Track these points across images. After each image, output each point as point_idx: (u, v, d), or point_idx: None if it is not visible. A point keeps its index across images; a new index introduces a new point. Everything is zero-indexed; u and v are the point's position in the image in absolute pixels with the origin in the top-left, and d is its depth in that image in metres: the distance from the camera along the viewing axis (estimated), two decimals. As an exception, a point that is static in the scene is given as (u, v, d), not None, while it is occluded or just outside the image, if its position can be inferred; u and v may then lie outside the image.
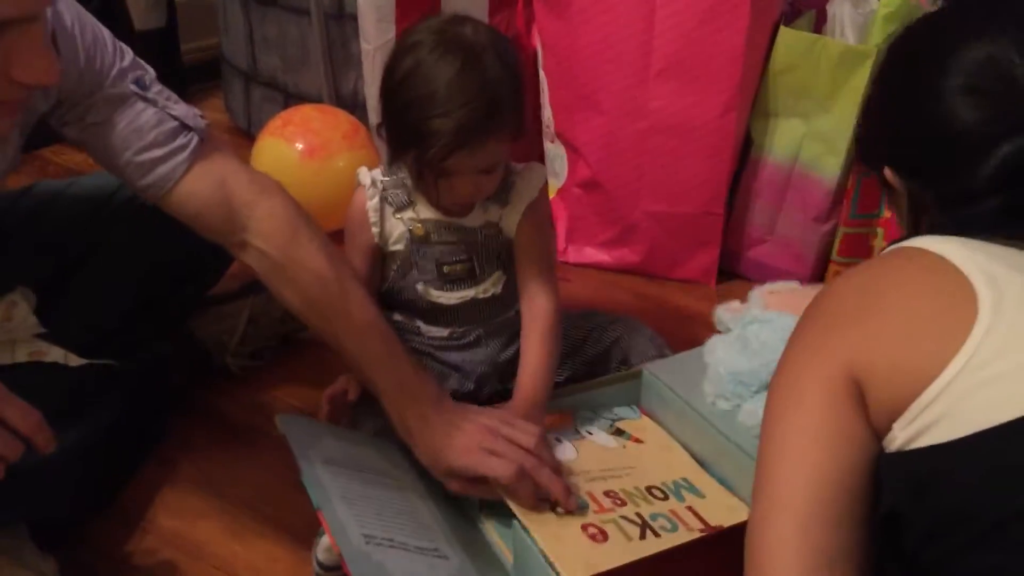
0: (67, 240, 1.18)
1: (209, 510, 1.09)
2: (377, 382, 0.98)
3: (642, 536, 0.91)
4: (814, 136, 1.48)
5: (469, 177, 1.01)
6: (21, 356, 1.14)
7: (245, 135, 2.06)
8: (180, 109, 1.00)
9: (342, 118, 1.66)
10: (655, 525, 0.93)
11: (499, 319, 1.13)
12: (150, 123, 0.98)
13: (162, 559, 1.03)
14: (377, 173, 1.09)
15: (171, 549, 1.04)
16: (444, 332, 1.12)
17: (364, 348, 0.99)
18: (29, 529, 0.98)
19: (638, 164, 1.52)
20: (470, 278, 1.10)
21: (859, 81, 1.40)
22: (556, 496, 0.93)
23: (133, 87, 0.99)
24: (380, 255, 1.10)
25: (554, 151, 1.66)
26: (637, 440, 1.10)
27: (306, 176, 1.57)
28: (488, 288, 1.11)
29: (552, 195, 1.69)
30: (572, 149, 1.60)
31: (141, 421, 1.17)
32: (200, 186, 0.99)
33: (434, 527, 0.94)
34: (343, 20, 1.78)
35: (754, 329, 1.06)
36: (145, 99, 0.99)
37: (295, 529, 1.04)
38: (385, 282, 1.12)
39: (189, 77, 2.37)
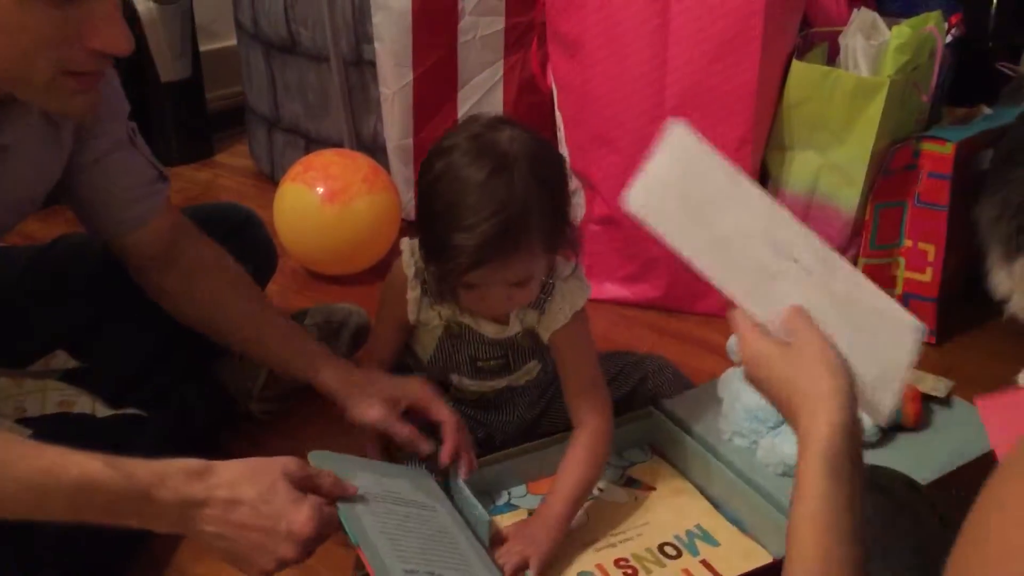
0: (95, 290, 1.20)
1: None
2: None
3: None
4: (830, 168, 1.48)
5: (500, 289, 0.96)
6: (51, 406, 1.16)
7: (269, 180, 2.09)
8: (155, 162, 1.13)
9: (362, 162, 1.68)
10: None
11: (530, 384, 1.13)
12: (139, 167, 1.09)
13: (192, 605, 1.04)
14: (420, 256, 1.04)
15: (201, 595, 1.05)
16: (474, 396, 1.13)
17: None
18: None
19: (655, 200, 1.53)
20: (504, 370, 1.10)
21: (873, 112, 1.40)
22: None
23: (130, 134, 1.08)
24: (410, 329, 1.11)
25: (572, 189, 1.67)
26: (649, 487, 1.09)
27: (327, 220, 1.60)
28: (521, 377, 1.11)
29: (571, 232, 1.70)
30: (589, 186, 1.61)
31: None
32: (162, 225, 1.12)
33: (473, 558, 0.94)
34: (362, 66, 1.82)
35: None
36: (136, 146, 1.09)
37: (332, 566, 1.04)
38: (418, 359, 1.12)
39: (214, 125, 2.41)
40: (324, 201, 1.60)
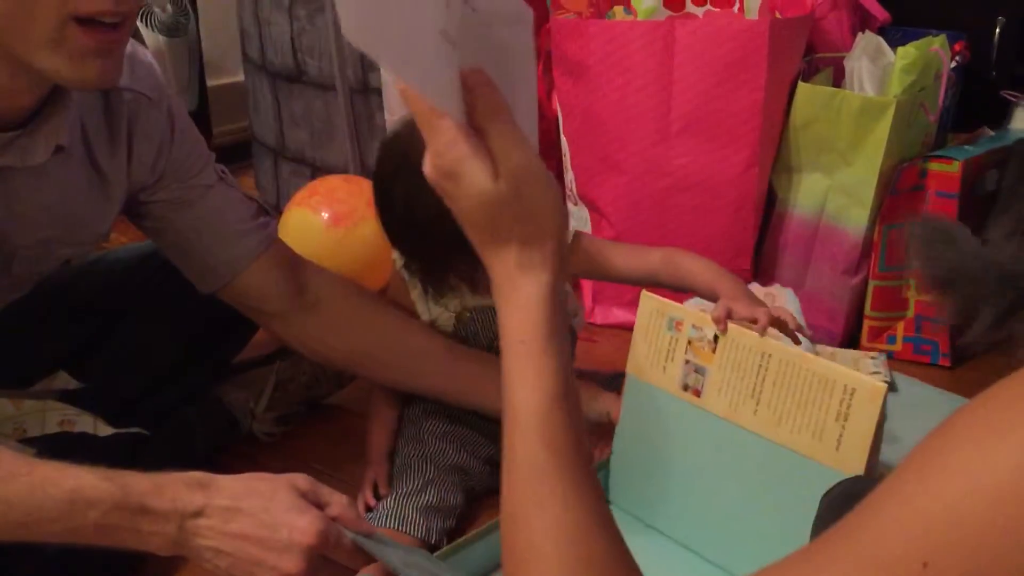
0: (99, 309, 1.19)
1: None
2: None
3: None
4: (838, 189, 1.47)
5: None
6: (51, 426, 1.15)
7: (275, 211, 2.09)
8: (252, 197, 1.11)
9: (366, 186, 1.67)
10: None
11: None
12: (237, 202, 1.07)
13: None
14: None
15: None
16: None
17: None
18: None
19: (661, 223, 1.52)
20: None
21: (880, 132, 1.40)
22: None
23: (218, 172, 1.06)
24: None
25: (577, 213, 1.66)
26: None
27: (332, 244, 1.59)
28: None
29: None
30: (595, 210, 1.60)
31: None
32: (276, 258, 1.08)
33: None
34: (367, 94, 1.82)
35: None
36: (227, 182, 1.07)
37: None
38: None
39: (221, 158, 2.41)
40: (329, 225, 1.60)
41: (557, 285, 0.56)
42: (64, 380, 1.22)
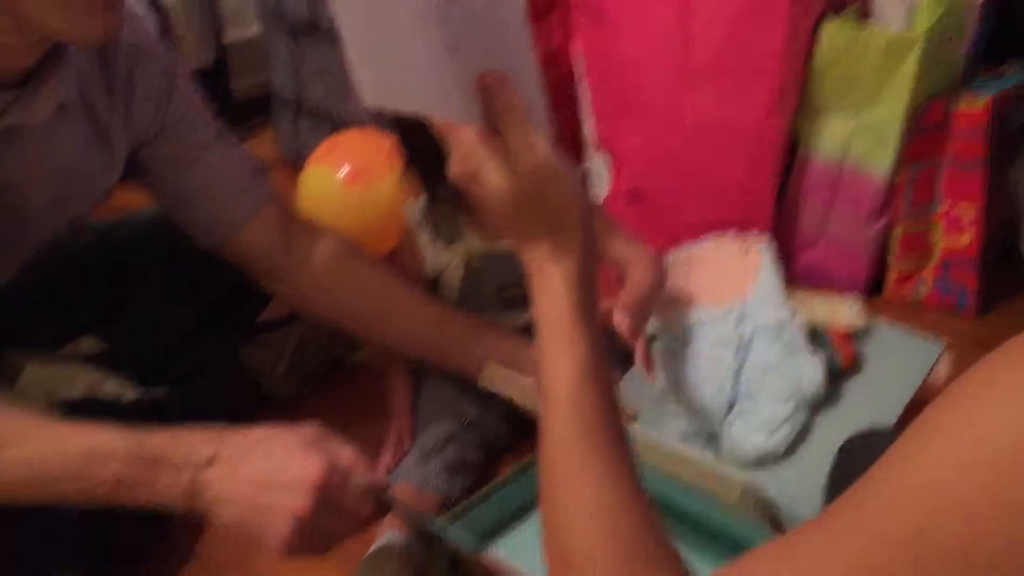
0: (123, 272, 1.20)
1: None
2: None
3: None
4: (863, 130, 1.43)
5: None
6: (79, 389, 1.17)
7: (294, 166, 2.09)
8: (250, 155, 1.10)
9: (385, 142, 1.66)
10: None
11: None
12: (237, 160, 1.07)
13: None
14: (422, 205, 1.10)
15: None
16: None
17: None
18: (85, 571, 0.99)
19: (681, 170, 1.49)
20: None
21: (908, 69, 1.35)
22: None
23: (217, 130, 1.07)
24: (431, 287, 1.12)
25: (597, 161, 1.64)
26: None
27: (351, 200, 1.59)
28: None
29: (597, 207, 1.68)
30: (615, 159, 1.58)
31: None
32: (273, 215, 1.08)
33: None
34: (383, 46, 1.80)
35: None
36: (225, 140, 1.07)
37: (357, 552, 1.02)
38: None
39: (240, 114, 2.42)
40: (347, 182, 1.59)
41: (585, 270, 0.59)
42: (90, 344, 1.23)
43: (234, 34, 2.40)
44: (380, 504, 0.83)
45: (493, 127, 0.57)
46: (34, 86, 0.87)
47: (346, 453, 0.81)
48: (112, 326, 1.21)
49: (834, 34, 1.40)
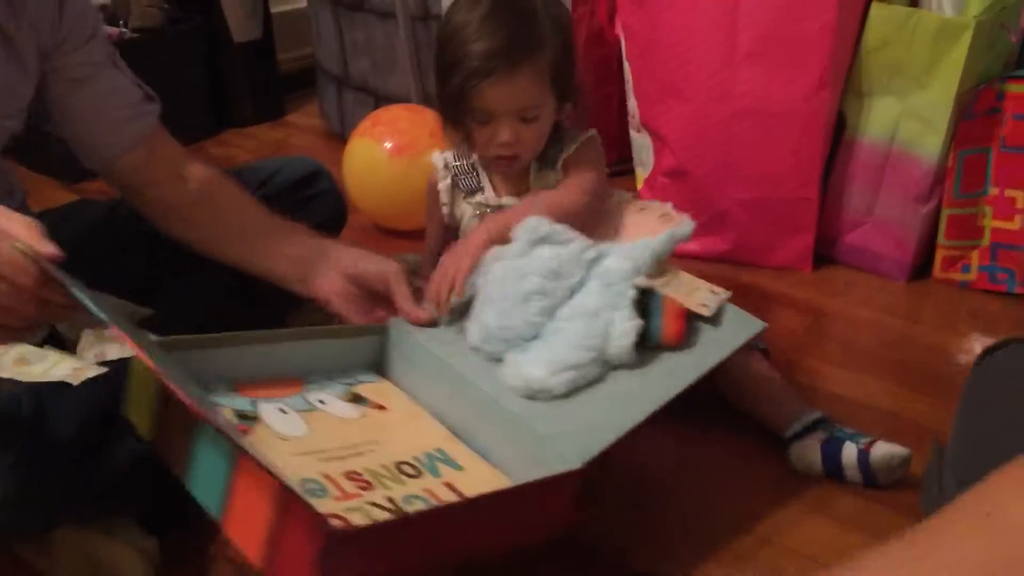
0: (155, 250, 1.22)
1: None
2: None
3: None
4: (911, 114, 1.42)
5: (507, 122, 1.03)
6: (128, 351, 1.20)
7: (339, 139, 2.11)
8: (140, 84, 1.12)
9: (429, 116, 1.68)
10: (410, 509, 0.77)
11: None
12: (126, 87, 1.10)
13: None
14: (450, 156, 1.15)
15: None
16: None
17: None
18: (137, 514, 1.02)
19: (725, 150, 1.49)
20: None
21: (958, 55, 1.34)
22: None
23: (112, 56, 1.09)
24: (451, 233, 1.17)
25: (640, 141, 1.64)
26: (380, 407, 0.95)
27: (395, 174, 1.60)
28: None
29: (639, 185, 1.68)
30: (658, 138, 1.58)
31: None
32: (156, 146, 1.11)
33: None
34: (428, 21, 1.81)
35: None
36: (119, 68, 1.10)
37: None
38: None
39: (286, 86, 2.45)
40: (392, 155, 1.61)
41: None
42: (140, 310, 1.26)
43: (280, 5, 2.43)
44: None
45: None
46: None
47: (20, 220, 0.76)
48: (155, 294, 1.23)
49: (884, 17, 1.39)
